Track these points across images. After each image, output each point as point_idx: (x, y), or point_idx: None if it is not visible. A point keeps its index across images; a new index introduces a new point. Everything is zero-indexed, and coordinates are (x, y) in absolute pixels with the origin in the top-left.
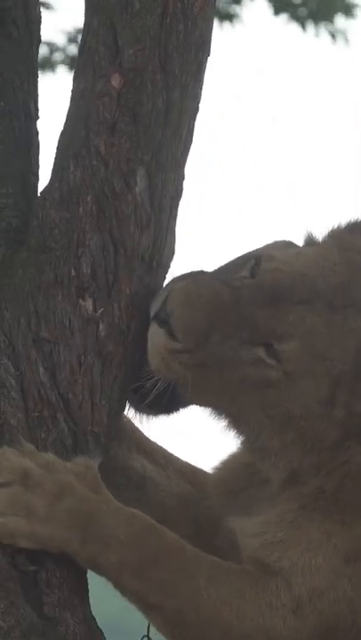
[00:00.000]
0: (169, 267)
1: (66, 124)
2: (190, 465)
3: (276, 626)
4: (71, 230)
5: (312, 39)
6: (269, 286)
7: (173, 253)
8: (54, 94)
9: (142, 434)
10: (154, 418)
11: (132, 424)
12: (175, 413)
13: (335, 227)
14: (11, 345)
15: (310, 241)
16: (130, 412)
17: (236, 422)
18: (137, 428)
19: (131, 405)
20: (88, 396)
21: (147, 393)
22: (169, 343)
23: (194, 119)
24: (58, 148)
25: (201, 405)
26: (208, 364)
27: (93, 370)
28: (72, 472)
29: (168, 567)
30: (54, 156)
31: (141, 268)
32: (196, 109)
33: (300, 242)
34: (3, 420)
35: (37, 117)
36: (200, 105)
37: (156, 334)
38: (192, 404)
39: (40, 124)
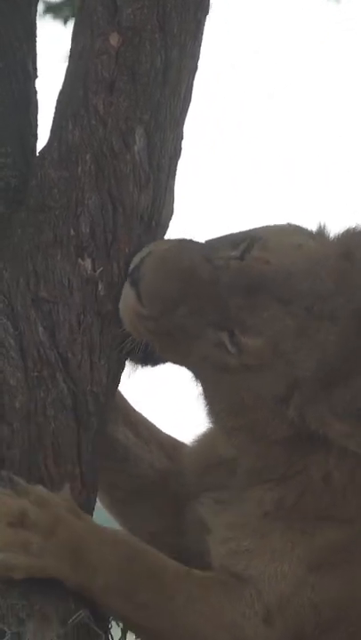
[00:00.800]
0: (168, 226)
1: (64, 83)
2: (172, 439)
3: (248, 636)
4: (70, 190)
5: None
6: (252, 276)
7: (172, 213)
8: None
9: (129, 405)
10: (136, 368)
11: (121, 394)
12: (157, 365)
13: (352, 228)
14: (10, 305)
15: (320, 234)
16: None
17: (202, 393)
18: (125, 399)
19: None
20: (87, 355)
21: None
22: (136, 306)
23: (192, 78)
24: (56, 108)
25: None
26: (173, 334)
27: (92, 329)
28: (62, 505)
29: (149, 589)
30: (53, 115)
31: (140, 228)
32: (195, 68)
33: (311, 224)
34: (2, 380)
35: (36, 77)
36: (198, 64)
37: (127, 294)
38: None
39: (38, 84)
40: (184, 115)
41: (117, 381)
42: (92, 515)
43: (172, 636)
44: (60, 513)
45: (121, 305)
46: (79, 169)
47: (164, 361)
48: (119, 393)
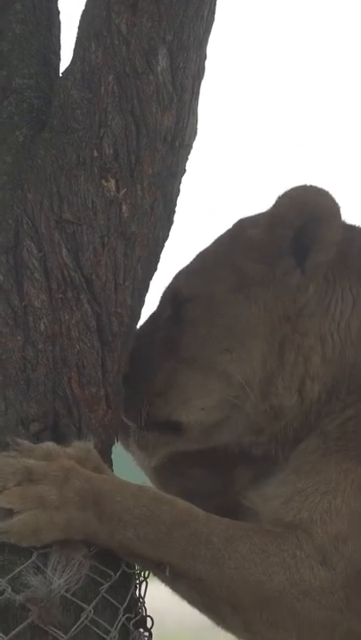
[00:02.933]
0: (191, 147)
1: (87, 3)
2: None
3: (305, 577)
4: (93, 111)
5: None
6: None
7: (196, 133)
8: None
9: None
10: None
11: None
12: None
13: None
14: (34, 227)
15: None
16: None
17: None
18: None
19: None
20: (111, 276)
21: None
22: None
23: None
24: (79, 28)
25: None
26: None
27: (116, 251)
28: (73, 456)
29: (183, 535)
30: (76, 35)
31: (164, 149)
32: None
33: None
34: (27, 302)
35: None
36: None
37: None
38: None
39: (61, 4)
40: (207, 35)
41: (142, 303)
42: (117, 431)
43: (217, 581)
44: (70, 464)
45: None
46: (102, 90)
47: None
48: None
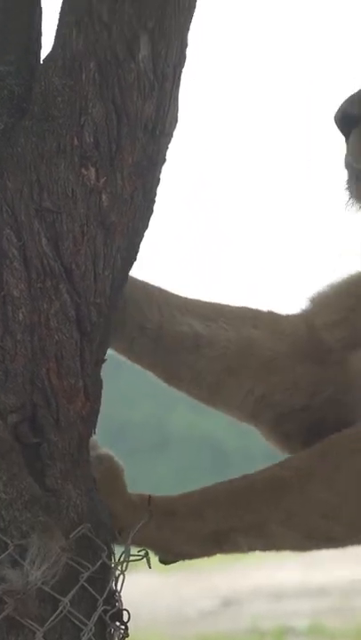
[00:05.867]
0: (172, 135)
1: None
2: (249, 308)
3: None
4: (74, 98)
5: None
6: None
7: (176, 122)
8: None
9: (176, 294)
10: None
11: (162, 290)
12: None
13: None
14: (13, 215)
15: None
16: None
17: None
18: (168, 292)
19: None
20: (91, 266)
21: None
22: None
23: None
24: (60, 15)
25: None
26: None
27: (96, 240)
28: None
29: (286, 493)
30: (57, 22)
31: (144, 137)
32: None
33: None
34: (5, 292)
35: None
36: None
37: None
38: None
39: None
40: (188, 22)
41: (121, 293)
42: (95, 424)
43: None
44: None
45: None
46: (83, 77)
47: None
48: (160, 290)
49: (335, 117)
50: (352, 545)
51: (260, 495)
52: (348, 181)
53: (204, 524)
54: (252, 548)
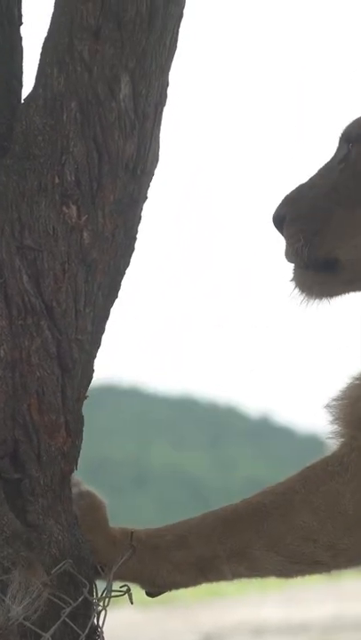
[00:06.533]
0: (153, 174)
1: (50, 29)
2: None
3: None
4: (55, 137)
5: None
6: None
7: (157, 160)
8: None
9: None
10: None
11: None
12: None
13: None
14: None
15: None
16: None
17: None
18: None
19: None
20: (72, 303)
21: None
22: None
23: (178, 25)
24: (41, 55)
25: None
26: None
27: (77, 277)
28: None
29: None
30: (38, 62)
31: (126, 176)
32: (181, 15)
33: None
34: None
35: (21, 23)
36: (184, 11)
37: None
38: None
39: (24, 30)
40: (169, 62)
41: (102, 329)
42: (77, 460)
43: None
44: None
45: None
46: (64, 116)
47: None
48: None
49: (272, 219)
50: (337, 569)
51: (243, 522)
52: (291, 274)
53: (189, 553)
54: (236, 575)
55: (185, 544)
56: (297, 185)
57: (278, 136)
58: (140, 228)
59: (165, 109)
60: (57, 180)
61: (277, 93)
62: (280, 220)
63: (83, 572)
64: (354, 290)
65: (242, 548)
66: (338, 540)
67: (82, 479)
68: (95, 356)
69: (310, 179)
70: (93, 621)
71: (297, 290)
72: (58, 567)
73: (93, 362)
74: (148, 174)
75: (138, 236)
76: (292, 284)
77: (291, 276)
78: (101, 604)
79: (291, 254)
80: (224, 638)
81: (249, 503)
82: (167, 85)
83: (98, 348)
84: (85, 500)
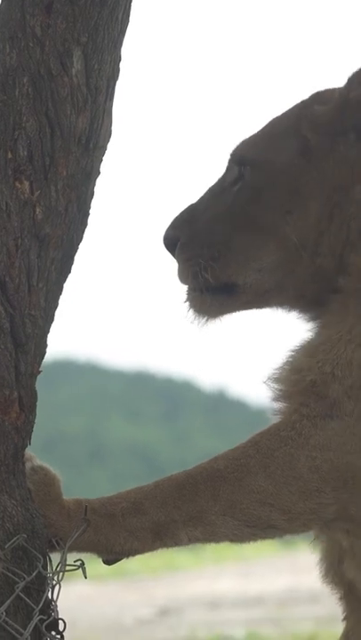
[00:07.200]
0: (105, 148)
1: (2, 5)
2: None
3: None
4: (7, 113)
5: None
6: None
7: (110, 135)
8: None
9: None
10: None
11: None
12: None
13: None
14: None
15: None
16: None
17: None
18: None
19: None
20: (25, 278)
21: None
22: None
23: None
24: None
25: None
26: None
27: (30, 253)
28: None
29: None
30: None
31: (78, 151)
32: None
33: None
34: None
35: None
36: None
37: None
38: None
39: None
40: (122, 37)
41: (56, 305)
42: (30, 435)
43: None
44: None
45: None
46: (17, 91)
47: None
48: None
49: (163, 241)
50: (292, 533)
51: (198, 486)
52: (185, 296)
53: (144, 519)
54: (192, 540)
55: (140, 510)
56: (187, 206)
57: (234, 106)
58: (94, 203)
59: (118, 84)
60: (9, 156)
61: (235, 62)
62: (173, 243)
63: (37, 547)
64: (250, 308)
65: (198, 512)
66: (293, 505)
67: (35, 455)
68: (49, 332)
69: (201, 200)
70: (47, 596)
71: (192, 312)
72: (11, 542)
73: (47, 337)
74: (101, 148)
75: (90, 211)
76: (187, 306)
77: (185, 297)
78: (55, 578)
79: (186, 277)
80: (180, 611)
81: (203, 468)
82: (120, 60)
83: (51, 323)
84: (39, 474)
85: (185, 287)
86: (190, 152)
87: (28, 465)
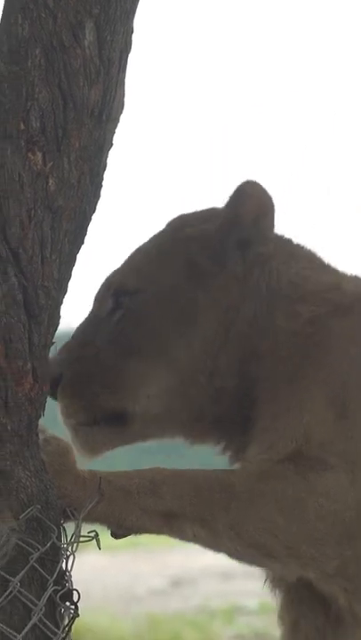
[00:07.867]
0: (118, 120)
1: None
2: None
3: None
4: (20, 84)
5: None
6: None
7: (123, 107)
8: None
9: None
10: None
11: None
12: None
13: None
14: None
15: None
16: None
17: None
18: None
19: None
20: (38, 250)
21: None
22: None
23: None
24: (5, 2)
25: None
26: None
27: (43, 224)
28: None
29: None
30: (2, 9)
31: (91, 122)
32: None
33: None
34: None
35: None
36: None
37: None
38: None
39: None
40: (134, 8)
41: (69, 276)
42: (44, 406)
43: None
44: None
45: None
46: (29, 63)
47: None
48: None
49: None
50: (287, 572)
51: (214, 494)
52: (71, 433)
53: (159, 502)
54: (195, 538)
55: (157, 493)
56: (64, 344)
57: (248, 90)
58: (106, 175)
59: (131, 56)
60: (22, 127)
61: (249, 46)
62: (56, 382)
63: (51, 518)
64: (143, 439)
65: (209, 518)
66: (297, 545)
67: (47, 426)
68: (62, 303)
69: (75, 336)
70: (62, 566)
71: (82, 449)
72: (26, 513)
73: (60, 308)
74: (114, 120)
75: (103, 183)
76: (77, 444)
77: (71, 435)
78: (70, 549)
79: (72, 414)
80: (192, 582)
81: (220, 477)
82: (132, 32)
83: (64, 294)
84: (52, 444)
85: (71, 423)
86: (206, 126)
87: (41, 436)
